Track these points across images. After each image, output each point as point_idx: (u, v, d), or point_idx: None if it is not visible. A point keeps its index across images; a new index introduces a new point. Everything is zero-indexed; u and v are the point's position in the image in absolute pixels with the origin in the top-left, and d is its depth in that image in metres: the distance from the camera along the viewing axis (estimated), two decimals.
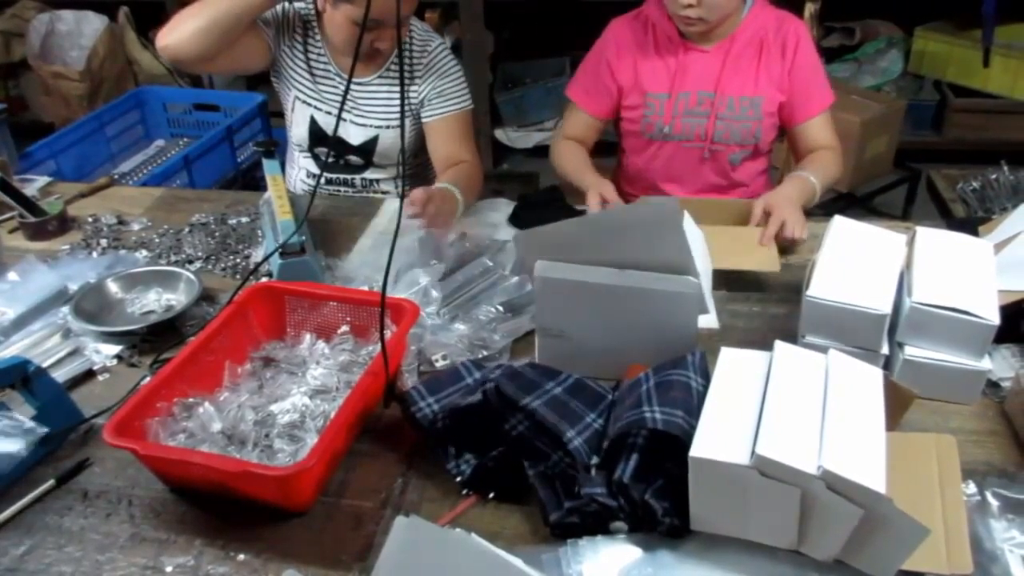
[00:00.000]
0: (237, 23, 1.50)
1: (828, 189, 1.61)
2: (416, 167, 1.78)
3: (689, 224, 1.12)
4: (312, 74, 1.67)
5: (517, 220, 1.59)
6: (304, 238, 1.34)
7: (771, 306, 1.32)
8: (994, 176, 1.98)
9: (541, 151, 3.34)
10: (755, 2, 1.59)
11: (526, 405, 0.95)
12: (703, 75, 1.59)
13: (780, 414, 0.87)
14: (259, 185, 2.21)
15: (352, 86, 1.66)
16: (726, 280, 1.38)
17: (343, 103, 1.24)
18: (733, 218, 1.46)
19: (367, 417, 1.10)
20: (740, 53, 1.58)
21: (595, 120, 1.71)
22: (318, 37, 1.65)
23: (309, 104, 1.68)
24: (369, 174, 1.76)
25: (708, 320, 1.28)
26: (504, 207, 1.63)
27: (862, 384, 0.92)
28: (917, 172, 2.59)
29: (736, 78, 1.58)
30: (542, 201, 1.63)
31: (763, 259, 1.36)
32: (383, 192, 1.77)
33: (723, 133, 1.61)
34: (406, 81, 1.66)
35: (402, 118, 1.19)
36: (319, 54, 1.66)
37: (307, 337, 1.21)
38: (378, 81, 1.66)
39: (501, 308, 1.29)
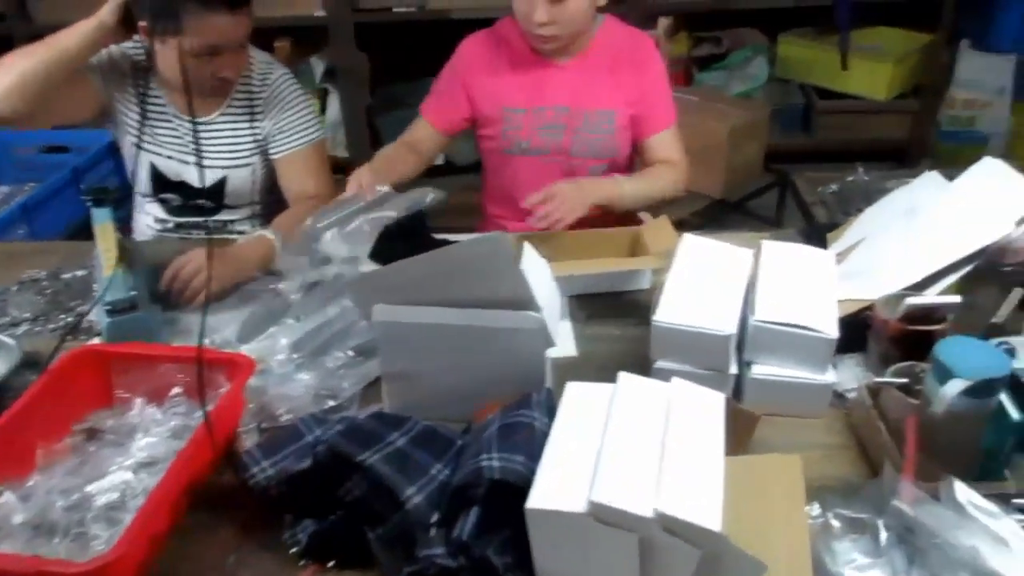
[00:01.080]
0: (53, 76, 1.39)
1: (658, 200, 1.62)
2: (271, 204, 1.69)
3: (530, 256, 1.08)
4: (148, 118, 1.57)
5: (377, 253, 1.52)
6: (134, 292, 1.25)
7: (631, 328, 1.31)
8: (851, 179, 2.04)
9: (427, 172, 3.28)
10: (606, 18, 1.60)
11: (362, 462, 0.90)
12: (559, 89, 1.59)
13: (618, 453, 0.84)
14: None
15: (191, 127, 1.58)
16: (586, 304, 1.36)
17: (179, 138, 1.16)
18: (618, 249, 1.44)
19: (200, 486, 1.02)
20: (594, 68, 1.58)
21: (436, 133, 1.67)
22: (151, 77, 1.55)
23: (147, 150, 1.58)
24: (222, 216, 1.67)
25: (565, 348, 1.25)
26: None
27: (704, 412, 0.90)
28: (786, 175, 2.66)
29: (591, 92, 1.58)
30: (405, 230, 1.57)
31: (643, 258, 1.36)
32: (239, 233, 1.68)
33: (581, 147, 1.61)
34: (248, 117, 1.58)
35: (197, 157, 1.12)
36: (154, 96, 1.56)
37: (137, 402, 1.12)
38: (222, 119, 1.58)
39: (352, 352, 1.22)
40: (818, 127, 3.22)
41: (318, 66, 3.37)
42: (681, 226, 2.49)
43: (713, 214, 2.61)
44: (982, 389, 0.83)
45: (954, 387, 0.82)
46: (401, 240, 1.52)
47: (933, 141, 3.19)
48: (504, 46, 1.61)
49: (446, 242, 1.51)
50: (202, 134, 1.58)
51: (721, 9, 3.05)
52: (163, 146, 1.58)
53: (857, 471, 1.02)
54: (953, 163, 3.20)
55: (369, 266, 1.49)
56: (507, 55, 1.61)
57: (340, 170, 3.41)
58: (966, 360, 0.84)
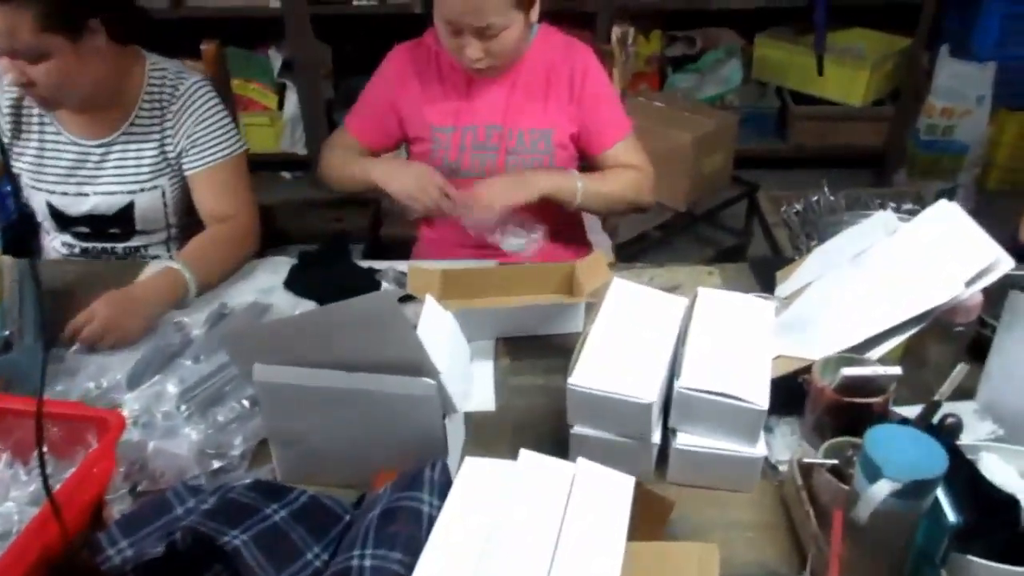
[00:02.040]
0: None
1: (620, 203, 1.52)
2: (189, 226, 1.55)
3: (432, 310, 0.98)
4: (34, 152, 1.45)
5: (295, 284, 1.41)
6: (8, 333, 1.13)
7: (557, 377, 1.19)
8: (815, 198, 1.94)
9: None
10: (541, 28, 1.47)
11: (227, 544, 0.79)
12: (490, 107, 1.47)
13: (504, 557, 0.74)
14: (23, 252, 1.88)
15: (90, 150, 1.45)
16: (512, 348, 1.25)
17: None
18: (551, 286, 1.32)
19: (60, 562, 0.91)
20: (527, 83, 1.47)
21: (364, 149, 1.56)
22: (33, 108, 1.43)
23: (40, 189, 1.47)
24: (134, 242, 1.54)
25: (483, 401, 1.15)
26: (281, 267, 1.44)
27: (608, 501, 0.80)
28: (755, 187, 2.56)
29: (524, 110, 1.47)
30: (325, 259, 1.46)
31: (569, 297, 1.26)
32: (153, 258, 1.55)
33: (515, 168, 1.49)
34: (159, 134, 1.45)
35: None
36: (42, 126, 1.44)
37: (2, 459, 1.01)
38: (123, 139, 1.45)
39: (247, 403, 1.11)
40: (793, 133, 3.13)
41: (276, 59, 3.24)
42: (643, 240, 2.43)
43: (678, 228, 2.50)
44: (913, 491, 0.73)
45: (881, 489, 0.72)
46: (320, 268, 1.42)
47: (910, 149, 3.10)
48: (432, 59, 1.49)
49: (371, 271, 1.41)
50: (99, 158, 1.45)
51: (695, 9, 2.94)
52: (58, 182, 1.46)
53: (785, 557, 0.92)
54: (930, 173, 3.11)
55: (286, 298, 1.39)
56: (435, 69, 1.49)
57: (300, 167, 3.35)
58: (898, 455, 0.74)
